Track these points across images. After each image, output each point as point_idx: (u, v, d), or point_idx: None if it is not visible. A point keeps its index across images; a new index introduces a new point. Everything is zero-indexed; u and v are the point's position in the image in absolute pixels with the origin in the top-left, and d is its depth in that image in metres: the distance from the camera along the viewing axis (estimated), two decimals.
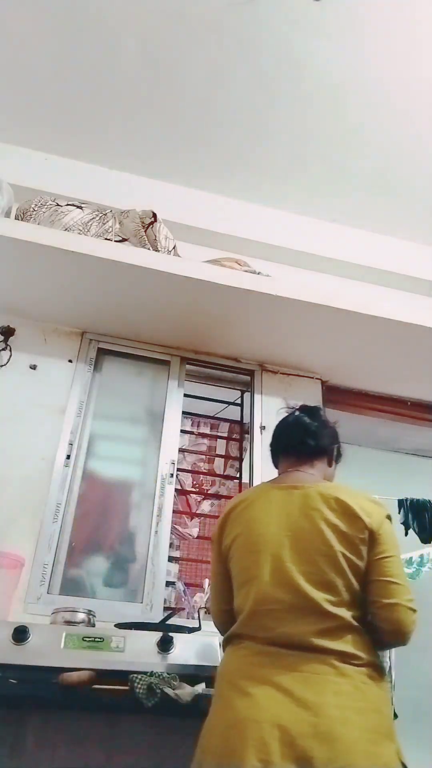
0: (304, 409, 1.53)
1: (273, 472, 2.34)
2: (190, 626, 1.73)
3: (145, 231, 2.27)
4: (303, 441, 1.44)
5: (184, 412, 2.52)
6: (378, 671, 1.14)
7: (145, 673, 1.40)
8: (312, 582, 1.16)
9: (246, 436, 2.62)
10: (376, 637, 1.17)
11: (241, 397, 2.69)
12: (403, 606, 1.15)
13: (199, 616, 1.90)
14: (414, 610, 1.16)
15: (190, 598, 2.45)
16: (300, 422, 1.47)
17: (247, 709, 1.07)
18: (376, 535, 1.21)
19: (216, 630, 1.45)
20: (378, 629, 1.16)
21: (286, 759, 0.98)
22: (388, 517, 1.28)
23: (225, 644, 1.28)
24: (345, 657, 1.10)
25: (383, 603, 1.15)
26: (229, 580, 1.33)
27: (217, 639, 1.61)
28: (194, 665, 1.51)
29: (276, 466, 1.53)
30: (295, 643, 1.12)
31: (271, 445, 1.54)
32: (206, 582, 2.42)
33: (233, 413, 2.71)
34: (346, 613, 1.15)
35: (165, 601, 2.09)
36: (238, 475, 2.68)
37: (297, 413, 1.51)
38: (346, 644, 1.12)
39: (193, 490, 2.79)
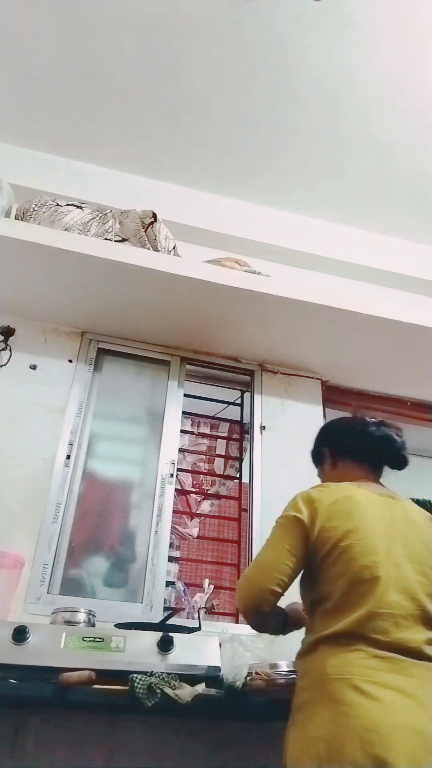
0: (388, 425, 1.55)
1: (273, 472, 2.37)
2: (190, 626, 1.73)
3: (145, 231, 2.27)
4: (393, 456, 1.49)
5: (184, 412, 2.52)
6: None
7: (145, 673, 1.40)
8: (425, 593, 1.22)
9: (246, 436, 2.62)
10: None
11: (241, 397, 2.69)
12: None
13: (199, 616, 1.90)
14: None
15: (190, 598, 2.45)
16: (389, 438, 1.50)
17: (385, 714, 1.06)
18: None
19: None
20: None
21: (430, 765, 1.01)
22: None
23: (317, 643, 1.21)
24: None
25: None
26: (301, 564, 1.28)
27: (217, 639, 1.61)
28: (194, 665, 1.51)
29: (332, 466, 1.54)
30: (410, 649, 1.15)
31: (346, 448, 1.53)
32: (206, 582, 2.42)
33: (233, 413, 2.71)
34: None
35: (165, 601, 2.09)
36: (238, 475, 2.69)
37: (384, 428, 1.52)
38: None
39: (193, 490, 2.79)
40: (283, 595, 1.25)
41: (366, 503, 1.34)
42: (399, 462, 1.50)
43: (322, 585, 1.26)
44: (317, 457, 1.62)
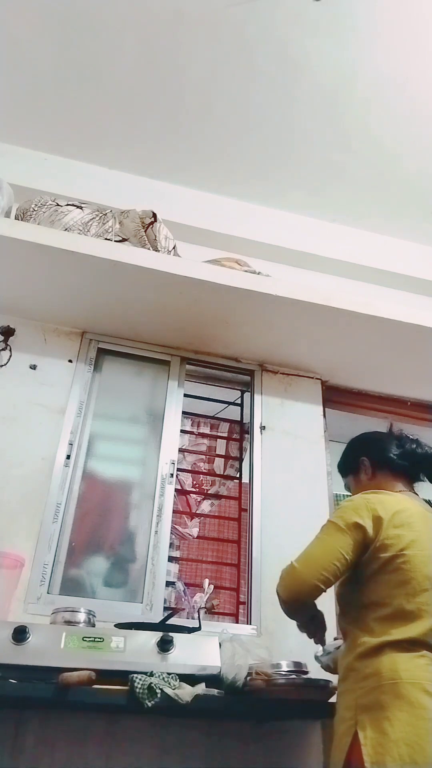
0: (421, 444, 1.62)
1: (273, 472, 2.37)
2: (190, 626, 1.73)
3: (145, 231, 2.27)
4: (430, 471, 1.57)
5: (184, 412, 2.52)
6: None
7: (145, 673, 1.40)
8: None
9: (246, 436, 2.62)
10: None
11: (241, 397, 2.69)
12: None
13: (199, 616, 1.90)
14: None
15: (190, 598, 2.45)
16: (429, 455, 1.59)
17: None
18: None
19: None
20: None
21: None
22: None
23: (381, 647, 1.24)
24: None
25: None
26: (350, 568, 1.32)
27: (217, 639, 1.61)
28: (194, 665, 1.51)
29: (371, 476, 1.59)
30: None
31: (387, 460, 1.58)
32: (206, 582, 2.42)
33: (233, 413, 2.71)
34: None
35: (165, 601, 2.09)
36: (238, 475, 2.68)
37: (426, 447, 1.61)
38: None
39: (193, 490, 2.79)
40: (325, 592, 1.30)
41: (417, 515, 1.40)
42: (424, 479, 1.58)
43: (380, 590, 1.30)
44: (352, 466, 1.66)
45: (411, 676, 1.18)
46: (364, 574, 1.33)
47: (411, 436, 1.62)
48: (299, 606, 1.33)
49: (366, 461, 1.61)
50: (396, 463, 1.56)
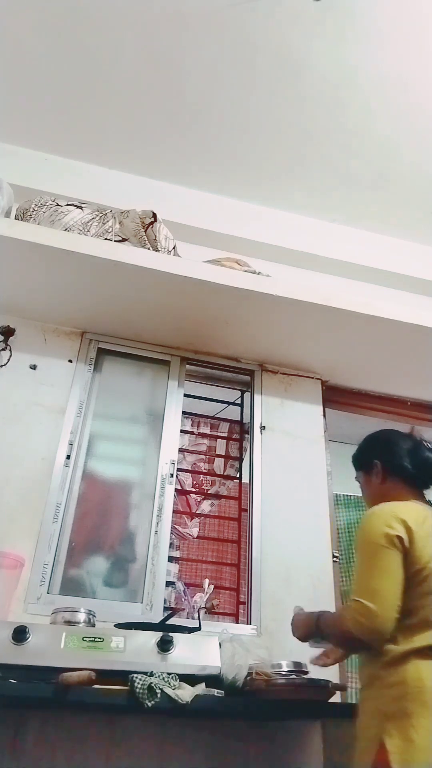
0: None
1: (273, 472, 2.37)
2: (190, 626, 1.73)
3: (145, 231, 2.27)
4: None
5: (184, 412, 2.52)
6: None
7: (145, 673, 1.40)
8: None
9: (246, 436, 2.62)
10: None
11: (241, 397, 2.69)
12: None
13: (199, 616, 1.90)
14: None
15: (190, 598, 2.45)
16: None
17: None
18: None
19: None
20: None
21: None
22: None
23: (406, 655, 1.25)
24: None
25: None
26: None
27: (217, 639, 1.61)
28: (194, 665, 1.51)
29: (382, 480, 1.57)
30: None
31: (400, 467, 1.56)
32: (206, 582, 2.42)
33: (233, 413, 2.71)
34: None
35: (165, 601, 2.09)
36: (238, 475, 2.68)
37: None
38: None
39: (193, 490, 2.78)
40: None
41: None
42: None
43: (410, 600, 1.29)
44: (366, 464, 1.64)
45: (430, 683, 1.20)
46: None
47: (428, 443, 1.59)
48: (382, 642, 1.28)
49: (379, 465, 1.59)
50: (408, 471, 1.54)
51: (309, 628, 1.46)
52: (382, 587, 1.28)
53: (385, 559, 1.31)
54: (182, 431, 2.53)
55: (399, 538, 1.32)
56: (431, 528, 1.36)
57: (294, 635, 1.51)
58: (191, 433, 2.79)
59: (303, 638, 1.49)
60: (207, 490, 2.82)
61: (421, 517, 1.38)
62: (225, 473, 2.75)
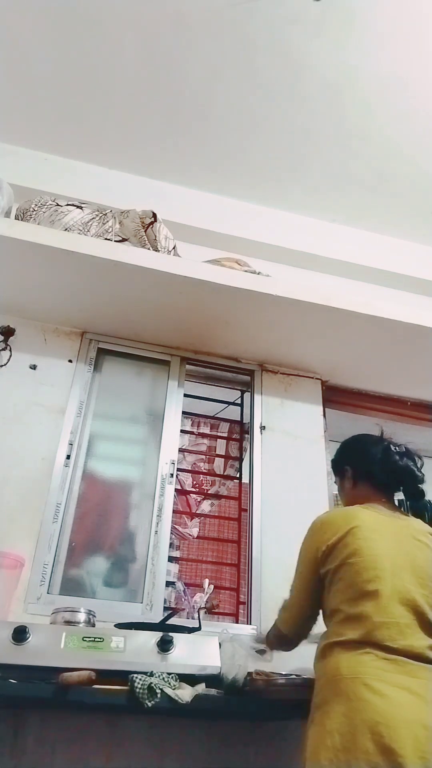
0: (410, 454, 1.64)
1: (273, 472, 2.37)
2: (190, 626, 1.73)
3: (145, 231, 2.27)
4: (410, 492, 1.61)
5: (184, 412, 2.52)
6: None
7: (145, 673, 1.40)
8: (428, 604, 1.34)
9: (246, 436, 2.62)
10: None
11: (241, 397, 2.69)
12: None
13: (199, 616, 1.90)
14: None
15: (190, 598, 2.45)
16: (410, 472, 1.61)
17: (394, 710, 1.16)
18: None
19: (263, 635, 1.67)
20: None
21: None
22: None
23: (331, 647, 1.32)
24: None
25: None
26: (320, 590, 1.46)
27: (217, 639, 1.61)
28: (194, 665, 1.51)
29: (353, 485, 1.65)
30: (415, 654, 1.26)
31: (368, 474, 1.62)
32: (206, 582, 2.42)
33: (233, 413, 2.71)
34: None
35: (165, 601, 2.09)
36: (238, 475, 2.68)
37: (407, 458, 1.62)
38: None
39: (193, 490, 2.79)
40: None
41: (372, 523, 1.46)
42: (416, 497, 1.61)
43: (333, 598, 1.39)
44: (339, 470, 1.72)
45: (350, 672, 1.24)
46: (324, 586, 1.45)
47: (398, 447, 1.64)
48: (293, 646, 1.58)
49: (349, 471, 1.67)
50: (377, 476, 1.60)
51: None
52: (291, 604, 1.54)
53: (302, 571, 1.51)
54: (182, 431, 2.53)
55: (322, 547, 1.44)
56: (369, 532, 1.42)
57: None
58: (191, 433, 2.79)
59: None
60: (207, 490, 2.82)
61: (360, 520, 1.45)
62: (225, 473, 2.75)
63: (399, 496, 1.62)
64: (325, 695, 1.26)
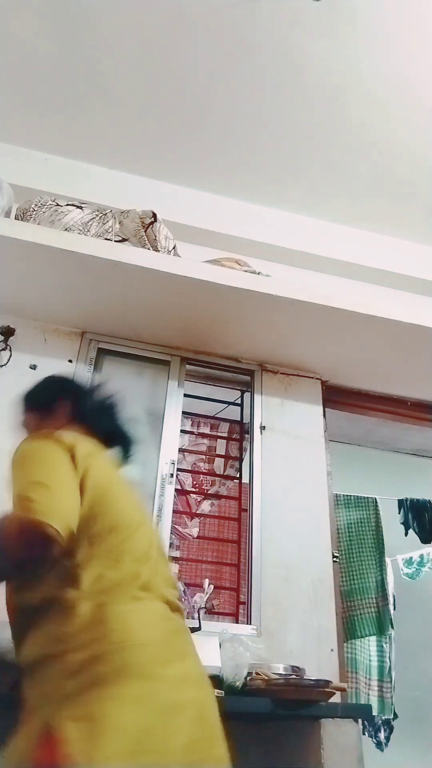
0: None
1: (273, 472, 2.37)
2: (190, 626, 1.73)
3: (145, 231, 2.27)
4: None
5: (184, 412, 2.52)
6: None
7: None
8: None
9: (246, 436, 2.62)
10: None
11: (241, 397, 2.69)
12: None
13: (199, 616, 1.90)
14: None
15: (190, 598, 2.45)
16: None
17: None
18: None
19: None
20: None
21: None
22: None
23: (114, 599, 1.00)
24: None
25: None
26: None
27: (217, 639, 1.61)
28: None
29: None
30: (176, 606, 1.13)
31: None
32: (206, 582, 2.42)
33: (233, 413, 2.71)
34: None
35: None
36: (238, 475, 2.68)
37: None
38: None
39: (193, 490, 2.79)
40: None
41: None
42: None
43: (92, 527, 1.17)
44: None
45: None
46: None
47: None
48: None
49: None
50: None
51: None
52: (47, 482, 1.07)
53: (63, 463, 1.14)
54: (182, 431, 2.53)
55: (67, 447, 1.22)
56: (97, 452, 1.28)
57: None
58: (191, 433, 2.79)
59: None
60: (207, 490, 2.82)
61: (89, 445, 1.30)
62: (225, 473, 2.75)
63: None
64: (99, 672, 0.95)
